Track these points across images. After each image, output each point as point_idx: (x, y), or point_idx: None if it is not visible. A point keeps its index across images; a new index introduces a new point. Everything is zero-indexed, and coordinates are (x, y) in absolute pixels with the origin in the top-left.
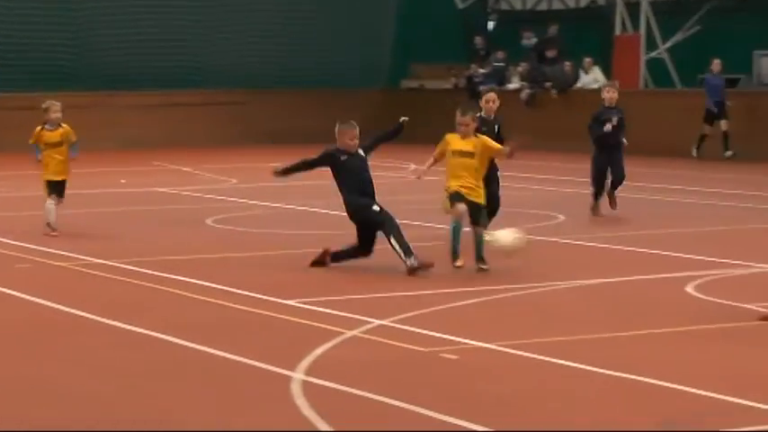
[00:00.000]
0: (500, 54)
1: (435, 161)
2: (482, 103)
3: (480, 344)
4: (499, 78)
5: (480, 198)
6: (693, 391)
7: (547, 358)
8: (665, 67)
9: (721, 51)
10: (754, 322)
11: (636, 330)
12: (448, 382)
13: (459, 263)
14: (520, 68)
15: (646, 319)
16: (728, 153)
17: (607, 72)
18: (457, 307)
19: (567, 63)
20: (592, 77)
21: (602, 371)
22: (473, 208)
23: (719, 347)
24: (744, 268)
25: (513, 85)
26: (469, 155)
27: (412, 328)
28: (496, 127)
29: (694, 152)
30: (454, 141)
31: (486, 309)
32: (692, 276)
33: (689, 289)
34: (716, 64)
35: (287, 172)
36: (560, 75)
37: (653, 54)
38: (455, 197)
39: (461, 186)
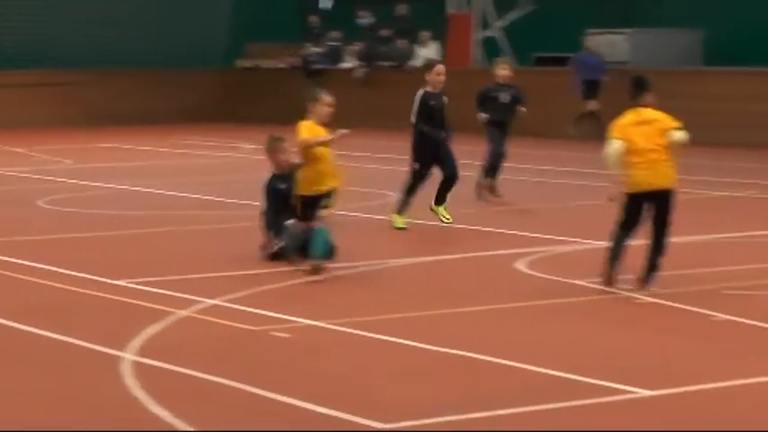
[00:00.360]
0: (335, 33)
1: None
2: (431, 75)
3: (312, 322)
4: (334, 57)
5: (337, 180)
6: (523, 366)
7: (377, 336)
8: (499, 47)
9: (555, 30)
10: (583, 298)
11: (466, 307)
12: (279, 361)
13: (297, 262)
14: (355, 47)
15: (477, 297)
16: (571, 131)
17: (441, 50)
18: (291, 285)
19: (401, 41)
20: (429, 51)
21: (431, 347)
22: (327, 194)
23: (549, 323)
24: (573, 245)
25: (348, 64)
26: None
27: (245, 308)
28: (445, 99)
29: (571, 130)
30: (317, 130)
31: (320, 287)
32: (523, 253)
33: (519, 266)
34: (589, 41)
35: (285, 245)
36: (395, 53)
37: (487, 33)
38: (304, 211)
39: (322, 177)
